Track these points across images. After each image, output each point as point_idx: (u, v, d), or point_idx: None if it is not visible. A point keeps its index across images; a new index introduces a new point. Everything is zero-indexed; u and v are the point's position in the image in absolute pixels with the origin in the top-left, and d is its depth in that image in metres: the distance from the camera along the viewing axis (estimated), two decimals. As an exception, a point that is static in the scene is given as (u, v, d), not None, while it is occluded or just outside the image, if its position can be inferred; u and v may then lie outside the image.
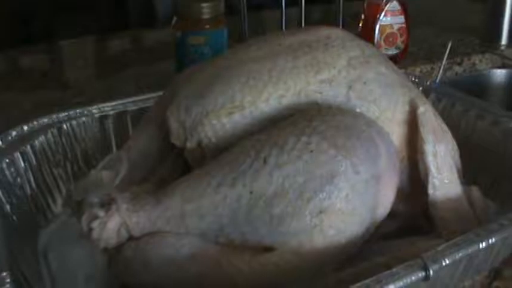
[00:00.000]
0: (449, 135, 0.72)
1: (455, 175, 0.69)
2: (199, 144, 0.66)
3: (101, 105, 0.85)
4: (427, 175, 0.67)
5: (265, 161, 0.58)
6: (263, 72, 0.66)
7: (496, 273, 0.69)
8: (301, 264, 0.58)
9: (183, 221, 0.59)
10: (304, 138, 0.59)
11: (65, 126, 0.82)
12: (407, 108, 0.69)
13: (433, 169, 0.67)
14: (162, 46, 1.41)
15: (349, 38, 0.72)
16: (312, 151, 0.58)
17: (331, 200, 0.57)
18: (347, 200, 0.58)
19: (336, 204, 0.57)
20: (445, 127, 0.72)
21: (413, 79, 0.92)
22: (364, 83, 0.68)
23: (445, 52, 0.95)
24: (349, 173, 0.58)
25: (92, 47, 1.55)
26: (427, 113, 0.69)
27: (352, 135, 0.60)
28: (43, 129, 0.80)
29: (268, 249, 0.59)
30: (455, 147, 0.73)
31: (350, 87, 0.67)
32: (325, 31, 0.72)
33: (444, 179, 0.67)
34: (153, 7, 2.31)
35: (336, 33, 0.72)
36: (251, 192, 0.58)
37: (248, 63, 0.68)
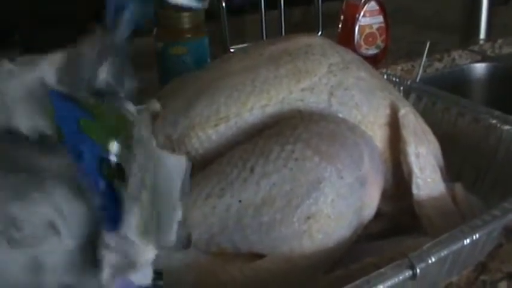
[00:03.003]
0: (430, 135, 0.73)
1: (438, 174, 0.70)
2: (186, 156, 0.67)
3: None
4: (410, 175, 0.68)
5: (252, 171, 0.60)
6: (246, 83, 0.68)
7: (482, 267, 0.71)
8: (292, 268, 0.59)
9: (175, 233, 0.60)
10: (288, 147, 0.60)
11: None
12: (388, 111, 0.71)
13: (416, 170, 0.68)
14: (143, 55, 1.41)
15: (328, 45, 0.73)
16: (296, 159, 0.59)
17: (318, 206, 0.58)
18: (333, 204, 0.59)
19: (322, 209, 0.59)
20: (426, 127, 0.74)
21: (394, 79, 0.93)
22: (345, 88, 0.69)
23: (424, 52, 0.96)
24: (334, 179, 0.59)
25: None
26: (408, 115, 0.70)
27: (335, 141, 0.61)
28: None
29: (260, 255, 0.60)
30: (437, 146, 0.74)
31: (331, 94, 0.69)
32: (305, 39, 0.74)
33: (427, 179, 0.68)
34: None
35: (316, 41, 0.74)
36: (240, 202, 0.59)
37: (231, 75, 0.69)
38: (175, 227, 0.50)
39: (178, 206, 0.51)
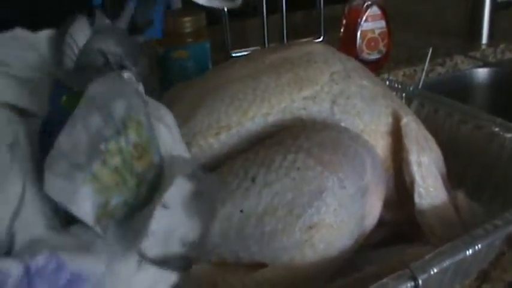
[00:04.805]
0: (433, 143, 0.73)
1: (440, 182, 0.70)
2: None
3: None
4: (412, 185, 0.68)
5: (253, 180, 0.59)
6: (247, 92, 0.67)
7: (484, 276, 0.70)
8: (293, 278, 0.59)
9: (176, 242, 0.60)
10: (290, 156, 0.60)
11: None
12: (390, 119, 0.71)
13: (418, 179, 0.68)
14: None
15: (330, 53, 0.73)
16: (298, 168, 0.59)
17: (320, 215, 0.58)
18: (335, 214, 0.59)
19: (324, 219, 0.58)
20: (428, 135, 0.73)
21: (396, 86, 0.93)
22: (347, 97, 0.69)
23: (426, 58, 0.96)
24: (336, 188, 0.59)
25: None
26: (410, 124, 0.70)
27: (337, 150, 0.61)
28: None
29: (261, 265, 0.60)
30: (440, 154, 0.74)
31: (334, 102, 0.68)
32: (306, 47, 0.73)
33: (429, 188, 0.68)
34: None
35: (317, 49, 0.73)
36: (241, 211, 0.59)
37: (232, 83, 0.69)
38: (146, 234, 0.48)
39: (153, 214, 0.48)
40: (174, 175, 0.51)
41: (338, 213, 0.59)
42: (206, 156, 0.66)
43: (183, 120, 0.67)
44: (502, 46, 1.45)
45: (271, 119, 0.67)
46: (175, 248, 0.49)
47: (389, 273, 0.56)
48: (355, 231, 0.61)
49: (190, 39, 1.07)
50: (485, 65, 1.41)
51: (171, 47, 1.07)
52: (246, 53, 1.22)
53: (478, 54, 1.41)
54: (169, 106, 0.70)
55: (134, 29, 0.59)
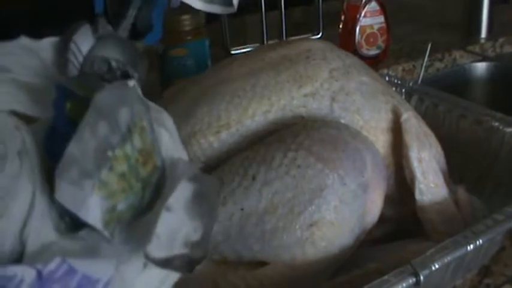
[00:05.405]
0: (433, 139, 0.73)
1: (441, 178, 0.70)
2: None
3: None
4: (413, 181, 0.68)
5: (254, 178, 0.59)
6: (247, 90, 0.67)
7: (485, 271, 0.70)
8: (294, 276, 0.59)
9: (177, 241, 0.60)
10: (290, 154, 0.60)
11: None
12: (390, 115, 0.71)
13: (418, 175, 0.68)
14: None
15: (329, 50, 0.73)
16: (299, 166, 0.59)
17: (321, 213, 0.58)
18: (336, 211, 0.59)
19: (325, 216, 0.58)
20: (428, 131, 0.73)
21: (395, 81, 0.93)
22: (347, 94, 0.69)
23: (425, 53, 0.96)
24: (337, 185, 0.59)
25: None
26: (410, 120, 0.70)
27: (337, 147, 0.61)
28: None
29: (262, 263, 0.60)
30: (440, 149, 0.74)
31: (333, 99, 0.68)
32: (305, 44, 0.73)
33: (430, 184, 0.68)
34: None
35: (316, 46, 0.73)
36: (242, 210, 0.59)
37: (232, 81, 0.69)
38: (151, 237, 0.48)
39: (158, 217, 0.49)
40: (177, 179, 0.51)
41: (339, 210, 0.59)
42: (206, 155, 0.66)
43: (183, 119, 0.67)
44: (501, 40, 1.44)
45: (271, 116, 0.67)
46: (179, 249, 0.50)
47: (390, 269, 0.56)
48: (356, 228, 0.61)
49: (189, 37, 1.07)
50: (484, 59, 1.40)
51: (171, 45, 1.07)
52: (245, 50, 1.23)
53: (477, 49, 1.41)
54: (169, 104, 0.70)
55: (135, 34, 0.60)
